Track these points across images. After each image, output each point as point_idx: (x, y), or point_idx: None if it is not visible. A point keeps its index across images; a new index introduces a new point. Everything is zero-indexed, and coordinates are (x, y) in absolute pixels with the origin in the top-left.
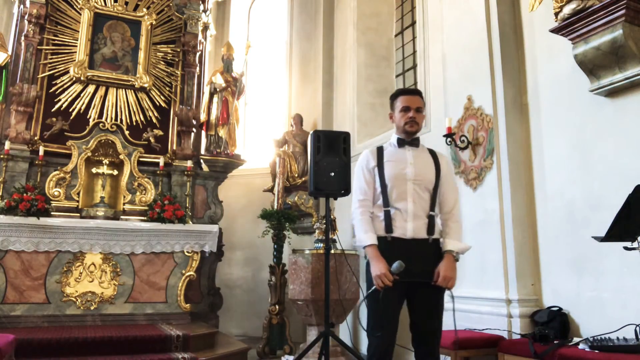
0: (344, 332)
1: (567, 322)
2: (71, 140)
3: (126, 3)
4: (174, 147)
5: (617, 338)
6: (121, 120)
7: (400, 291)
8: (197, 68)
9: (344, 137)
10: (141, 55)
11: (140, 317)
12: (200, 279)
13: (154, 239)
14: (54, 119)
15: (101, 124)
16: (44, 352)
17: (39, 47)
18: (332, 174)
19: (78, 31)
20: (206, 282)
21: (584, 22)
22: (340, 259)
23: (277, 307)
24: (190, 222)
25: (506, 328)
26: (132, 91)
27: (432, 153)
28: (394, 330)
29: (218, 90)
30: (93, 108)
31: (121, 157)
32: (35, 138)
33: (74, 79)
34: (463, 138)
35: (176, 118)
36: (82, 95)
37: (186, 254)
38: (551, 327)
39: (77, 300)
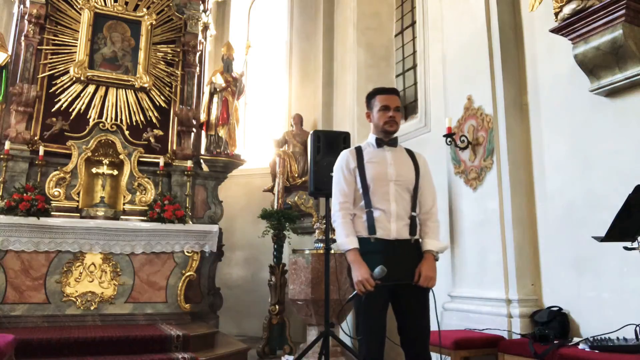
0: (343, 332)
1: (567, 322)
2: (71, 140)
3: (126, 3)
4: (174, 147)
5: (617, 338)
6: (121, 120)
7: (384, 295)
8: (197, 68)
9: (344, 137)
10: (141, 55)
11: (140, 317)
12: (200, 279)
13: (154, 239)
14: (54, 119)
15: (101, 124)
16: (44, 352)
17: (39, 47)
18: (332, 174)
19: (78, 31)
20: (206, 282)
21: (584, 22)
22: (340, 259)
23: (277, 307)
24: (190, 222)
25: (506, 328)
26: (132, 91)
27: (410, 153)
28: (382, 332)
29: (218, 90)
30: (93, 108)
31: (121, 157)
32: (35, 138)
33: (74, 79)
34: (463, 138)
35: (176, 118)
36: (82, 95)
37: (186, 254)
38: (551, 327)
39: (77, 300)
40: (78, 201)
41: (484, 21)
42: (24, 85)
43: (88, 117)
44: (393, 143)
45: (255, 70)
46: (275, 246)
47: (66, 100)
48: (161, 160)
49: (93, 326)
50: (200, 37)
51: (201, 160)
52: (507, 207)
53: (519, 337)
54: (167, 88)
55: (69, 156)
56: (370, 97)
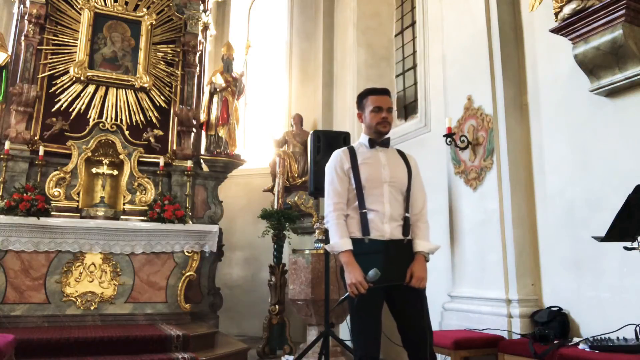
0: (344, 332)
1: (567, 322)
2: (71, 140)
3: (126, 3)
4: (174, 147)
5: (617, 338)
6: (121, 120)
7: (379, 296)
8: (197, 68)
9: (344, 137)
10: (141, 55)
11: (140, 317)
12: (200, 279)
13: (154, 239)
14: (54, 119)
15: (101, 124)
16: (44, 352)
17: (39, 47)
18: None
19: (78, 31)
20: (206, 282)
21: (584, 22)
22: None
23: (277, 307)
24: (190, 222)
25: (506, 328)
26: (132, 91)
27: (402, 154)
28: (377, 333)
29: (218, 90)
30: (93, 108)
31: (121, 157)
32: (35, 138)
33: (74, 79)
34: (463, 138)
35: (176, 118)
36: (82, 95)
37: (186, 254)
38: (551, 327)
39: (77, 300)
40: (78, 201)
41: (484, 21)
42: (24, 85)
43: (88, 117)
44: (385, 144)
45: (255, 70)
46: (275, 246)
47: (66, 100)
48: (161, 160)
49: (93, 326)
50: (200, 37)
51: (201, 160)
52: (507, 207)
53: (519, 337)
54: (167, 88)
55: (69, 156)
56: (361, 97)
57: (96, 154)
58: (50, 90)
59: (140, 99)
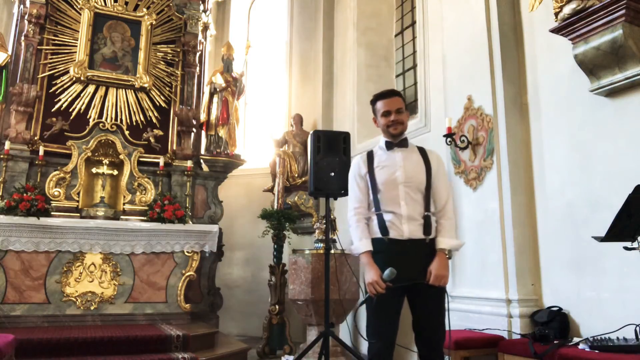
0: (344, 332)
1: (567, 322)
2: (71, 140)
3: (126, 3)
4: (174, 147)
5: (617, 338)
6: (121, 120)
7: (396, 296)
8: (197, 68)
9: (344, 137)
10: (141, 55)
11: (140, 317)
12: (200, 279)
13: (154, 239)
14: (54, 119)
15: (101, 124)
16: (44, 352)
17: (39, 47)
18: (332, 174)
19: (78, 31)
20: (206, 282)
21: (584, 22)
22: (340, 259)
23: (277, 307)
24: (190, 222)
25: (506, 328)
26: (132, 91)
27: (422, 152)
28: (392, 335)
29: (218, 90)
30: (93, 108)
31: (121, 157)
32: (35, 138)
33: (74, 79)
34: (463, 138)
35: (176, 118)
36: (82, 95)
37: (186, 254)
38: (551, 327)
39: (77, 300)
40: (78, 201)
41: (484, 21)
42: (24, 85)
43: (88, 117)
44: (403, 144)
45: (255, 70)
46: (275, 246)
47: (66, 100)
48: (161, 160)
49: (93, 326)
50: (200, 37)
51: (201, 160)
52: (507, 207)
53: (519, 337)
54: (167, 88)
55: (69, 156)
56: (372, 103)
57: (96, 154)
58: (50, 90)
59: (140, 99)
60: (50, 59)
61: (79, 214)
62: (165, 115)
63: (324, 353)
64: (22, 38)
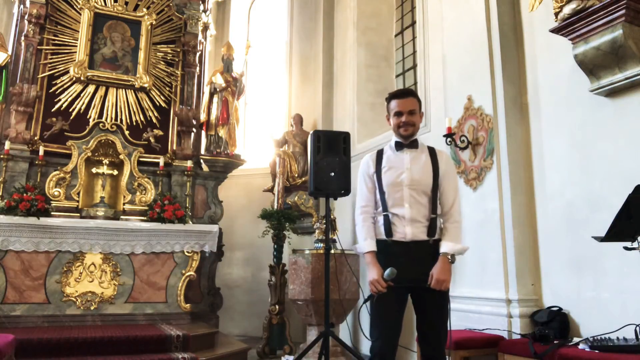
0: (344, 332)
1: (567, 322)
2: (71, 140)
3: (126, 3)
4: (174, 147)
5: (617, 338)
6: (121, 120)
7: (398, 296)
8: (197, 68)
9: (344, 137)
10: (141, 55)
11: (140, 317)
12: (200, 279)
13: (154, 239)
14: (54, 119)
15: (101, 124)
16: (44, 352)
17: (39, 47)
18: (332, 174)
19: (78, 31)
20: (206, 282)
21: (584, 22)
22: (340, 259)
23: (277, 307)
24: (190, 222)
25: (506, 328)
26: (132, 91)
27: (432, 152)
28: (394, 335)
29: (218, 90)
30: (93, 108)
31: (121, 157)
32: (35, 138)
33: (74, 79)
34: (463, 138)
35: (176, 118)
36: (82, 95)
37: (186, 254)
38: (551, 327)
39: (77, 300)
40: (78, 201)
41: (484, 21)
42: (24, 85)
43: (88, 117)
44: (413, 145)
45: (255, 70)
46: (275, 246)
47: (66, 100)
48: (161, 160)
49: (93, 326)
50: (200, 37)
51: (201, 160)
52: (507, 207)
53: (519, 337)
54: (167, 88)
55: (69, 156)
56: (387, 101)
57: (96, 154)
58: (50, 90)
59: (140, 99)
60: (50, 59)
61: (79, 214)
62: (165, 115)
63: (324, 353)
64: (22, 38)
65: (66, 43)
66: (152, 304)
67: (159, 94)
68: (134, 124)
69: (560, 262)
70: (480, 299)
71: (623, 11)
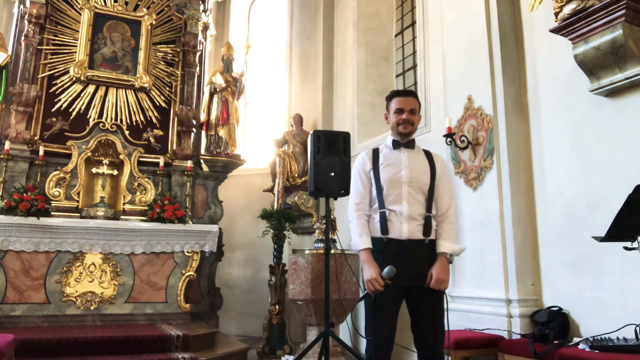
0: (344, 332)
1: (567, 322)
2: (71, 140)
3: (126, 3)
4: (174, 147)
5: (617, 338)
6: (121, 120)
7: (395, 295)
8: (197, 68)
9: (344, 137)
10: (141, 55)
11: (140, 317)
12: (200, 279)
13: (154, 239)
14: (54, 119)
15: (101, 124)
16: (44, 352)
17: (39, 47)
18: (332, 174)
19: (78, 31)
20: (206, 282)
21: (584, 22)
22: (340, 259)
23: (277, 307)
24: (190, 222)
25: (506, 328)
26: (132, 91)
27: (428, 154)
28: (389, 334)
29: (218, 90)
30: (93, 108)
31: (121, 157)
32: (35, 138)
33: (74, 79)
34: (463, 138)
35: (176, 118)
36: (82, 95)
37: (186, 254)
38: (551, 327)
39: (77, 300)
40: (78, 201)
41: (484, 21)
42: (24, 85)
43: (88, 117)
44: (410, 145)
45: (255, 70)
46: (275, 246)
47: (66, 100)
48: (161, 160)
49: (93, 326)
50: (200, 37)
51: (201, 160)
52: (507, 207)
53: (519, 337)
54: (167, 88)
55: (69, 156)
56: (388, 99)
57: (96, 154)
58: (50, 90)
59: (140, 99)
60: (50, 59)
61: (79, 214)
62: (165, 115)
63: (324, 353)
64: (22, 38)
65: (66, 43)
66: (152, 304)
67: (159, 94)
68: (134, 124)
69: (560, 262)
70: (480, 299)
71: (623, 11)
